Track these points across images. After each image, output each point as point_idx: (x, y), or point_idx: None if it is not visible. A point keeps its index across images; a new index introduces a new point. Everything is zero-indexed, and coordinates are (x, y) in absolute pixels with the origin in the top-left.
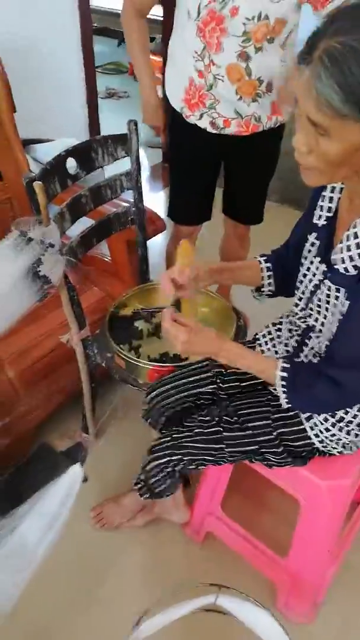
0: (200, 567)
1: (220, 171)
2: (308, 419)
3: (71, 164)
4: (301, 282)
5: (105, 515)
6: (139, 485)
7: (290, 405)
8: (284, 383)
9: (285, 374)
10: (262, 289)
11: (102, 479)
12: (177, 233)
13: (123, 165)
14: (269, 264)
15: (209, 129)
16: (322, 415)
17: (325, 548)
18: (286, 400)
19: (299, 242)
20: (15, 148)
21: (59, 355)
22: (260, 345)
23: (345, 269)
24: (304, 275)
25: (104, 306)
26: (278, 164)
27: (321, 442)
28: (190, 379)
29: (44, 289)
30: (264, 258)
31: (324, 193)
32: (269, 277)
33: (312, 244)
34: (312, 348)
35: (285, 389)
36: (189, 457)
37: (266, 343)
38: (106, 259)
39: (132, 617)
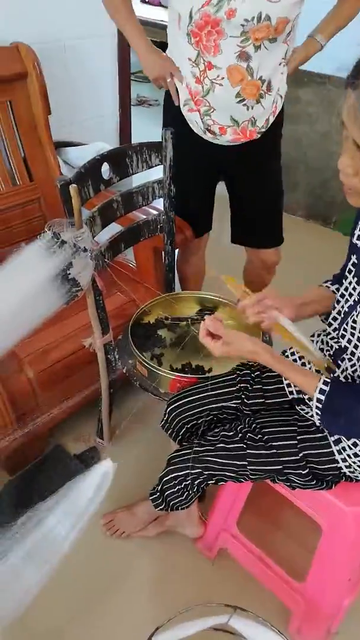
0: (210, 583)
1: (216, 185)
2: (336, 442)
3: (105, 168)
4: (338, 302)
5: (117, 524)
6: (154, 496)
7: (320, 424)
8: (321, 398)
9: (325, 388)
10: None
11: (115, 486)
12: (184, 248)
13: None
14: (336, 286)
15: (206, 136)
16: (352, 440)
17: (345, 576)
18: (319, 418)
19: None
20: (48, 150)
21: (79, 358)
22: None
23: None
24: (342, 296)
25: (127, 312)
26: (307, 156)
27: (348, 467)
28: (214, 392)
29: (72, 291)
30: (331, 282)
31: None
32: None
33: (354, 264)
34: (345, 370)
35: (320, 406)
36: (209, 472)
37: (295, 361)
38: (131, 265)
39: (138, 630)
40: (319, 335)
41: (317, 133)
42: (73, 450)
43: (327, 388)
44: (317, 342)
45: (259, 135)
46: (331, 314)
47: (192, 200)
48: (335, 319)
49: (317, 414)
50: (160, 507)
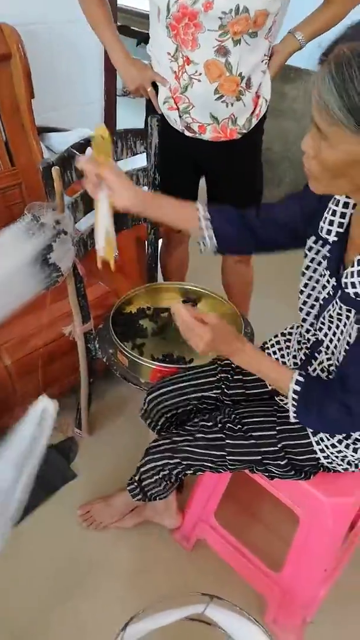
0: (187, 574)
1: (200, 178)
2: (315, 433)
3: (89, 153)
4: (304, 290)
5: (94, 515)
6: (132, 487)
7: (297, 420)
8: (295, 397)
9: (298, 388)
10: (204, 241)
11: (93, 477)
12: (167, 241)
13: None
14: (207, 221)
15: (186, 133)
16: None
17: (322, 566)
18: (294, 415)
19: (286, 222)
20: (30, 135)
21: (59, 346)
22: (268, 355)
23: (356, 294)
24: (305, 285)
25: (108, 302)
26: (291, 152)
27: (326, 457)
28: (194, 382)
29: (52, 277)
30: (202, 208)
31: (334, 207)
32: (207, 230)
33: (324, 257)
34: (321, 363)
35: (295, 403)
36: (188, 462)
37: (274, 353)
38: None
39: (113, 619)
40: (297, 328)
41: (303, 129)
42: (50, 440)
43: (302, 380)
44: (295, 334)
45: (240, 136)
46: (303, 304)
47: (175, 193)
48: (308, 313)
49: (293, 405)
50: (138, 498)
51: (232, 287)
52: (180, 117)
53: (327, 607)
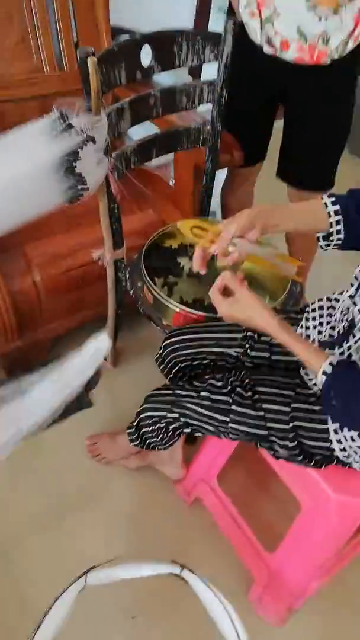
0: (182, 529)
1: (277, 108)
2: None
3: (146, 52)
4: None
5: (100, 448)
6: (131, 430)
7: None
8: (326, 375)
9: (329, 371)
10: (331, 238)
11: (109, 410)
12: (231, 177)
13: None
14: (336, 207)
15: (266, 49)
16: None
17: (317, 561)
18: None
19: None
20: (103, 35)
21: (92, 271)
22: (307, 320)
23: None
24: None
25: (155, 232)
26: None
27: (343, 449)
28: (216, 335)
29: (77, 189)
30: (332, 200)
31: None
32: (337, 222)
33: None
34: (350, 347)
35: (322, 389)
36: (186, 419)
37: (314, 319)
38: (170, 183)
39: (92, 557)
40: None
41: None
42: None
43: (335, 365)
44: (342, 302)
45: (329, 61)
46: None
47: (246, 120)
48: (357, 277)
49: (323, 385)
50: (136, 444)
51: (296, 241)
52: (261, 27)
53: (319, 600)
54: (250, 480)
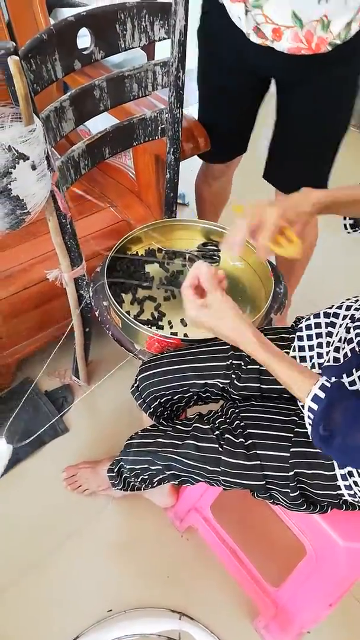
0: (175, 557)
1: (264, 95)
2: (342, 465)
3: (83, 36)
4: None
5: (80, 479)
6: (111, 475)
7: (312, 439)
8: (314, 408)
9: (322, 395)
10: None
11: (86, 434)
12: (206, 169)
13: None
14: None
15: (253, 38)
16: None
17: (326, 602)
18: (311, 434)
19: None
20: (38, 10)
21: (52, 286)
22: (301, 339)
23: None
24: None
25: (120, 233)
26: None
27: (353, 495)
28: (198, 365)
29: (17, 214)
30: None
31: None
32: None
33: None
34: None
35: (310, 421)
36: (172, 472)
37: (309, 338)
38: (132, 175)
39: (83, 598)
40: (349, 309)
41: None
42: (46, 386)
43: (328, 386)
44: (345, 317)
45: (330, 49)
46: None
47: (224, 110)
48: None
49: (309, 424)
50: (119, 488)
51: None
52: (246, 13)
53: (332, 620)
54: (247, 508)
